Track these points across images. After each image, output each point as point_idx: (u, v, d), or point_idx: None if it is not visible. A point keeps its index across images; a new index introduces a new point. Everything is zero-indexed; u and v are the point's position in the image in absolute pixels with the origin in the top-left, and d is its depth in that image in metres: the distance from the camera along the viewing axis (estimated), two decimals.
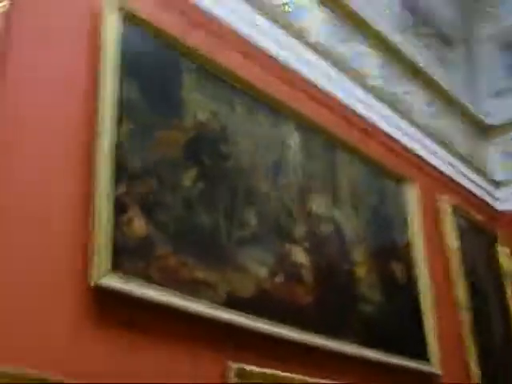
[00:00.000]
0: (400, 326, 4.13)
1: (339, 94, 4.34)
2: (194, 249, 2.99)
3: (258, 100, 3.65)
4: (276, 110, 3.76)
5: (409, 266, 4.44)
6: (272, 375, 3.09)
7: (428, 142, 5.08)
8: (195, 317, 2.84)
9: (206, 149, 3.28)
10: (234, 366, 2.95)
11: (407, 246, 4.49)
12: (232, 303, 3.07)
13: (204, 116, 3.30)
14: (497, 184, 5.71)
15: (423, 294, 4.41)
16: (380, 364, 3.79)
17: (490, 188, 5.71)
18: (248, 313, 3.11)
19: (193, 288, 2.89)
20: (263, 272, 3.30)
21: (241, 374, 2.96)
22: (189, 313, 2.82)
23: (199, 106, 3.31)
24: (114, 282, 2.58)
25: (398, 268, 4.33)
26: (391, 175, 4.61)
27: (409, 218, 4.60)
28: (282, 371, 3.15)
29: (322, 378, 3.37)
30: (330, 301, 3.64)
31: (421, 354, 4.24)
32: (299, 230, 3.63)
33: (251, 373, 3.01)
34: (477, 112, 5.67)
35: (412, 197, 4.66)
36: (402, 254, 4.43)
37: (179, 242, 2.93)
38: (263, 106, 3.70)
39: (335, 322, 3.62)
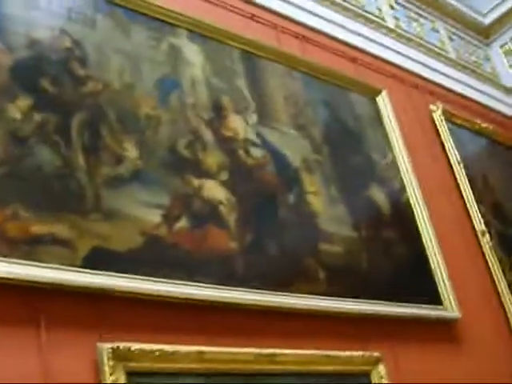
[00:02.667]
0: (394, 268, 3.12)
1: None
2: (27, 196, 2.05)
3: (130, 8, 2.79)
4: (157, 18, 2.80)
5: (396, 189, 3.38)
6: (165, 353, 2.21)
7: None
8: (44, 285, 2.09)
9: (47, 73, 2.31)
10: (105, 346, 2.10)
11: (391, 164, 3.42)
12: (99, 262, 2.14)
13: (44, 33, 2.38)
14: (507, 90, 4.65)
15: (421, 224, 3.38)
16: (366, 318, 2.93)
17: (499, 95, 4.73)
18: (124, 272, 2.16)
19: (31, 249, 2.10)
20: (152, 217, 2.33)
21: (118, 355, 2.12)
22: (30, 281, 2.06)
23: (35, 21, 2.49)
24: None
25: (379, 193, 3.28)
26: (361, 88, 3.57)
27: (393, 134, 3.53)
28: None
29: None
30: (267, 246, 2.65)
31: (430, 297, 3.17)
32: (212, 160, 2.64)
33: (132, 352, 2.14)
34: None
35: (390, 109, 3.59)
36: (385, 175, 3.38)
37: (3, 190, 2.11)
38: (138, 14, 2.74)
39: (278, 272, 2.64)
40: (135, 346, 2.14)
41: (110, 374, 2.06)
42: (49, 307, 2.08)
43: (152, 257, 2.35)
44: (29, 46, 2.45)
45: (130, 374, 2.12)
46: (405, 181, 3.49)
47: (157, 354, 2.18)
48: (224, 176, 2.72)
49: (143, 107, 2.62)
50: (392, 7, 4.35)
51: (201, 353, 2.27)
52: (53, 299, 2.09)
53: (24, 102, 2.32)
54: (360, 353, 2.73)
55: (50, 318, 2.08)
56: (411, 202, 3.46)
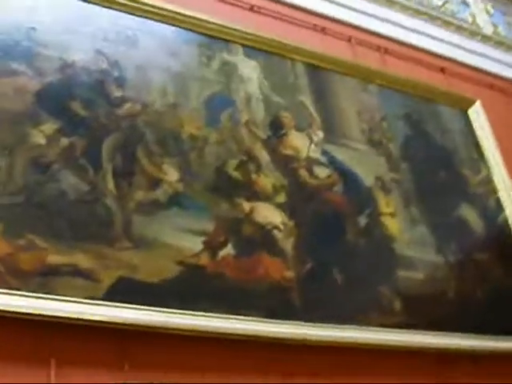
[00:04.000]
0: (489, 296, 2.72)
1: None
2: (45, 226, 1.86)
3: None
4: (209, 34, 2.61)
5: (491, 207, 2.98)
6: None
7: None
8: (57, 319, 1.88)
9: (79, 95, 2.15)
10: None
11: (485, 181, 3.01)
12: (124, 294, 1.89)
13: (78, 55, 2.24)
14: None
15: None
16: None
17: None
18: (153, 305, 1.90)
19: (46, 281, 1.90)
20: (192, 244, 2.08)
21: None
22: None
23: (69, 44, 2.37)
24: None
25: (470, 212, 2.89)
26: (450, 100, 3.22)
27: (489, 148, 3.14)
28: None
29: None
30: (331, 274, 2.34)
31: None
32: (267, 181, 2.38)
33: None
34: None
35: (484, 121, 3.21)
36: (478, 193, 2.99)
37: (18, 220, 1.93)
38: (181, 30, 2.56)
39: (343, 303, 2.33)
40: None
41: None
42: (62, 344, 1.82)
43: (189, 288, 2.07)
44: (60, 70, 2.27)
45: None
46: (502, 199, 3.04)
47: None
48: (281, 198, 2.44)
49: (187, 127, 2.38)
50: (488, 13, 3.93)
51: None
52: (68, 335, 1.84)
53: (50, 126, 2.12)
54: None
55: (62, 357, 1.81)
56: (510, 222, 3.00)
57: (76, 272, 1.95)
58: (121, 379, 1.86)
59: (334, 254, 2.43)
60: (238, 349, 2.10)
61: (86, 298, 1.93)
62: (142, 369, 1.94)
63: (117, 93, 2.34)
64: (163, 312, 2.02)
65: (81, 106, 2.25)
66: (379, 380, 2.29)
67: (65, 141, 2.15)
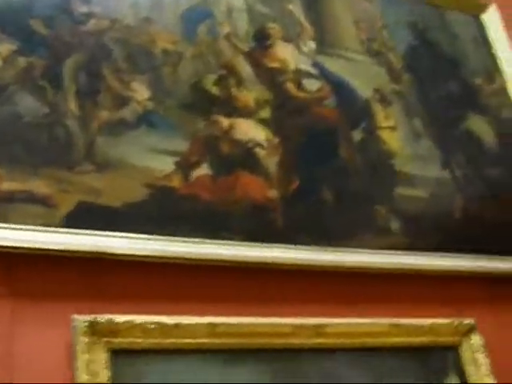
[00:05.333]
0: (501, 215, 2.47)
1: None
2: (1, 153, 1.79)
3: None
4: None
5: (506, 118, 2.74)
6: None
7: None
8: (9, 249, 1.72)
9: (39, 13, 2.00)
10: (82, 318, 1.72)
11: (500, 91, 2.76)
12: (84, 220, 1.71)
13: None
14: None
15: None
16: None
17: None
18: (118, 230, 1.73)
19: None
20: (163, 165, 1.91)
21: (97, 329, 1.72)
22: None
23: None
24: None
25: (481, 124, 2.64)
26: (460, 5, 2.96)
27: (503, 55, 2.87)
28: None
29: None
30: (320, 193, 2.15)
31: None
32: (249, 96, 2.19)
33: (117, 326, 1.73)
34: None
35: (499, 26, 2.95)
36: (491, 103, 2.74)
37: None
38: None
39: (333, 224, 2.14)
40: (121, 318, 1.70)
41: (85, 353, 1.61)
42: (17, 274, 1.67)
43: (159, 212, 1.89)
44: None
45: (116, 353, 1.67)
46: None
47: (152, 327, 1.73)
48: (265, 113, 2.24)
49: (160, 42, 2.19)
50: None
51: (213, 325, 1.78)
52: (25, 266, 1.68)
53: (7, 46, 1.94)
54: (446, 320, 2.13)
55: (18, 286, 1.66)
56: None
57: (31, 198, 1.79)
58: (86, 311, 1.70)
59: (325, 172, 2.23)
60: (217, 275, 1.93)
61: (42, 226, 1.75)
62: (111, 300, 1.77)
63: (82, 9, 2.14)
64: (131, 238, 1.84)
65: (42, 24, 2.06)
66: (377, 305, 2.10)
67: (23, 61, 1.96)
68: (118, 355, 1.69)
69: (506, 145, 2.71)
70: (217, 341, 1.80)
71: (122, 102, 2.05)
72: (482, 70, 2.89)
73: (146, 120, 2.05)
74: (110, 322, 1.70)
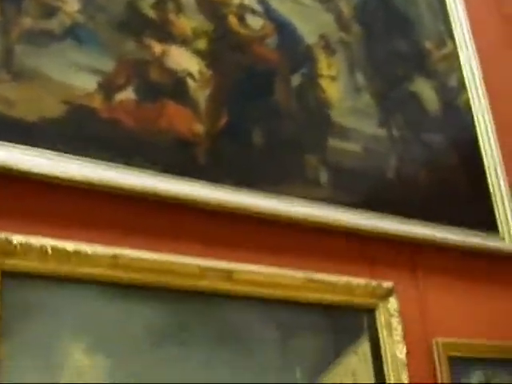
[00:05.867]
0: (435, 181, 2.39)
1: None
2: None
3: None
4: None
5: (452, 86, 2.64)
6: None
7: None
8: None
9: None
10: None
11: (450, 57, 2.68)
12: None
13: None
14: None
15: (482, 132, 2.65)
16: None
17: None
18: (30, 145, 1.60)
19: None
20: (85, 84, 1.75)
21: None
22: None
23: None
24: None
25: (426, 89, 2.55)
26: None
27: (458, 21, 2.79)
28: None
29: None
30: (249, 133, 2.03)
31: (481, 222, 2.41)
32: (187, 23, 2.06)
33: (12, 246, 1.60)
34: None
35: None
36: (438, 69, 2.66)
37: None
38: None
39: (260, 167, 2.00)
40: (18, 239, 1.55)
41: None
42: None
43: (76, 131, 1.75)
44: None
45: (6, 275, 1.53)
46: (466, 78, 2.70)
47: (49, 251, 1.59)
48: (201, 45, 2.10)
49: None
50: None
51: (115, 257, 1.66)
52: None
53: None
54: (365, 280, 2.05)
55: None
56: (471, 104, 2.67)
57: None
58: None
59: (257, 113, 2.11)
60: (130, 206, 1.80)
61: None
62: (9, 218, 1.63)
63: None
64: (43, 155, 1.71)
65: None
66: (293, 257, 2.00)
67: None
68: (10, 277, 1.55)
69: (448, 112, 2.62)
70: (119, 274, 1.67)
71: (49, 11, 1.89)
72: (434, 34, 2.80)
73: (72, 33, 1.90)
74: (5, 241, 1.55)
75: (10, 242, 1.58)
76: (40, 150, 1.72)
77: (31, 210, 1.67)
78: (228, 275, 1.83)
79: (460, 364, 2.26)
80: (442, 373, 2.20)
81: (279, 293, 1.92)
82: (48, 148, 1.73)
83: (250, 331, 1.84)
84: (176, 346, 1.71)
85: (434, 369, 2.19)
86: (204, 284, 1.80)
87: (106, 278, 1.67)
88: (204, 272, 1.80)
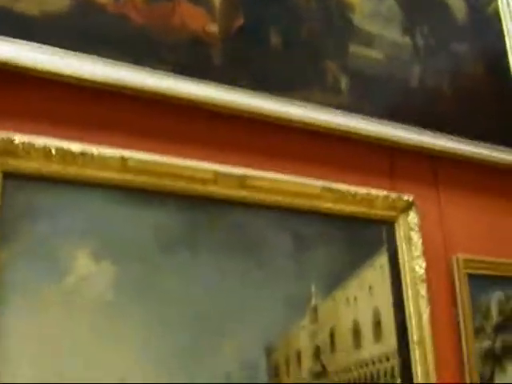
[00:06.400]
0: (463, 94, 2.26)
1: None
2: None
3: None
4: None
5: None
6: None
7: None
8: None
9: None
10: None
11: None
12: None
13: None
14: None
15: None
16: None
17: None
18: (38, 41, 1.60)
19: None
20: None
21: None
22: None
23: None
24: None
25: None
26: None
27: None
28: None
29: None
30: (265, 34, 1.90)
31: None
32: None
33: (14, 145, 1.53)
34: None
35: None
36: None
37: None
38: None
39: (277, 73, 1.91)
40: (21, 138, 1.46)
41: None
42: None
43: (81, 28, 1.64)
44: None
45: (8, 176, 1.44)
46: None
47: (53, 152, 1.49)
48: None
49: None
50: None
51: (124, 159, 1.57)
52: None
53: None
54: (385, 192, 1.95)
55: None
56: (501, 12, 2.52)
57: None
58: None
59: (275, 13, 1.98)
60: (141, 106, 1.71)
61: None
62: (12, 117, 1.53)
63: None
64: (47, 50, 1.60)
65: None
66: (310, 166, 1.91)
67: None
68: (12, 178, 1.46)
69: (476, 21, 2.48)
70: (128, 177, 1.58)
71: None
72: None
73: None
74: (7, 140, 1.46)
75: (11, 142, 1.49)
76: (44, 46, 1.60)
77: (35, 109, 1.58)
78: (242, 181, 1.75)
79: (479, 282, 2.19)
80: (462, 291, 2.13)
81: (295, 201, 1.83)
82: (53, 44, 1.61)
83: (264, 241, 1.76)
84: (186, 253, 1.63)
85: (453, 286, 2.11)
86: (217, 190, 1.71)
87: (114, 182, 1.58)
88: (217, 177, 1.71)
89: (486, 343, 2.17)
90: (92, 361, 1.47)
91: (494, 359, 2.19)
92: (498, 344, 2.20)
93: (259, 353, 1.70)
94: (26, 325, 1.42)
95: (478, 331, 2.16)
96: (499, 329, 2.22)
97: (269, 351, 1.72)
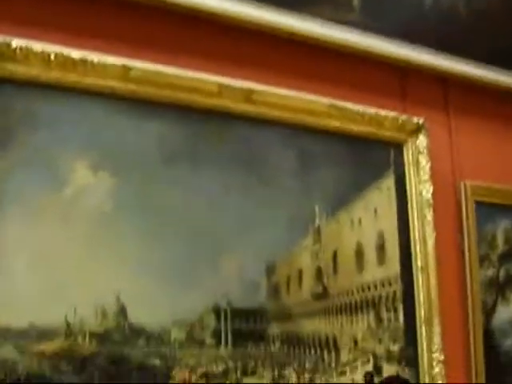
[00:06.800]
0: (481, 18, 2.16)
1: None
2: None
3: None
4: None
5: None
6: None
7: None
8: None
9: None
10: None
11: None
12: None
13: None
14: None
15: None
16: None
17: None
18: None
19: None
20: None
21: None
22: None
23: None
24: None
25: None
26: None
27: None
28: None
29: None
30: None
31: None
32: None
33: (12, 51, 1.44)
34: None
35: None
36: None
37: None
38: None
39: None
40: (19, 43, 1.40)
41: None
42: None
43: None
44: None
45: (3, 81, 1.44)
46: None
47: (52, 58, 1.43)
48: None
49: None
50: None
51: (126, 68, 1.51)
52: None
53: None
54: (394, 113, 1.89)
55: None
56: None
57: None
58: None
59: None
60: (146, 15, 1.69)
61: None
62: (10, 25, 1.47)
63: None
64: None
65: None
66: (319, 83, 1.85)
67: None
68: (8, 84, 1.41)
69: None
70: (130, 87, 1.52)
71: None
72: None
73: None
74: (4, 44, 1.40)
75: (8, 46, 1.43)
76: None
77: (34, 14, 1.52)
78: (247, 95, 1.69)
79: (487, 210, 2.15)
80: (468, 218, 2.09)
81: (301, 118, 1.78)
82: None
83: (268, 157, 1.71)
84: (187, 165, 1.58)
85: (460, 212, 2.07)
86: (221, 103, 1.65)
87: (116, 91, 1.53)
88: (222, 90, 1.65)
89: (491, 271, 2.14)
90: (87, 271, 1.44)
91: (497, 288, 2.16)
92: (502, 273, 2.17)
93: (260, 271, 1.67)
94: (22, 234, 1.39)
95: (483, 259, 2.12)
96: (504, 258, 2.18)
97: (270, 270, 1.69)
